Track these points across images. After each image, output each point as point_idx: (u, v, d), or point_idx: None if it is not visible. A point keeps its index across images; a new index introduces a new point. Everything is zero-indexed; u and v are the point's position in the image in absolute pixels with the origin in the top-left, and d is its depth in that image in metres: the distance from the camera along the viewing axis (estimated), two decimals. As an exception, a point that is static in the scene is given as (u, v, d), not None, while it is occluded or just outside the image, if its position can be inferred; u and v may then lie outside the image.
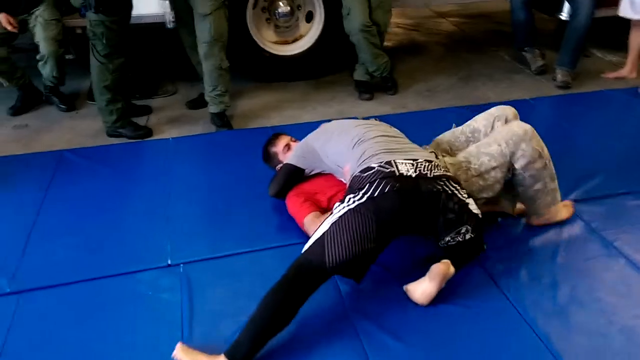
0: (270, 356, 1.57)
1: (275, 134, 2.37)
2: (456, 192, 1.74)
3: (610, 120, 3.05)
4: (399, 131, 2.08)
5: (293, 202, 2.10)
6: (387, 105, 3.25)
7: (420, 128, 2.86)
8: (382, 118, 3.07)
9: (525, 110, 3.12)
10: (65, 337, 1.66)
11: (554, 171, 2.02)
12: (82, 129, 2.99)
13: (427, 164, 1.76)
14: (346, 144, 1.94)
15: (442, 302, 1.75)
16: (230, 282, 1.86)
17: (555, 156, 2.61)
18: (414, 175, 1.70)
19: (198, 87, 3.33)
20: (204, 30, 2.72)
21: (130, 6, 2.73)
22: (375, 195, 1.64)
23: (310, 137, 2.17)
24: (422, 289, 1.72)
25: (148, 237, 2.08)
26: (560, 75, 3.50)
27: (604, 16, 3.61)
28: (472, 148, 1.98)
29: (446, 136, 2.18)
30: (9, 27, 2.88)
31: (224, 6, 2.77)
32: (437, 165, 1.78)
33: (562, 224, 2.14)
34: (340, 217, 1.64)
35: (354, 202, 1.65)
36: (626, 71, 3.59)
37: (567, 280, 1.86)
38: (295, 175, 2.16)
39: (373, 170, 1.71)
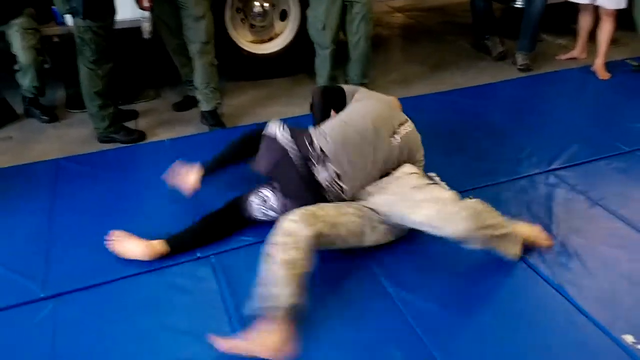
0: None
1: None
2: None
3: (571, 97, 3.35)
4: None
5: None
6: (368, 96, 3.39)
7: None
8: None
9: (494, 93, 3.40)
10: (115, 334, 1.69)
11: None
12: (70, 138, 2.95)
13: None
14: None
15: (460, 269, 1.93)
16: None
17: (530, 131, 2.88)
18: None
19: (181, 90, 3.36)
20: (198, 31, 2.78)
21: (114, 11, 2.74)
22: None
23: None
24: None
25: (171, 234, 2.11)
26: (520, 59, 3.78)
27: (554, 2, 3.94)
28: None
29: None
30: None
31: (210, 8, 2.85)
32: None
33: (551, 187, 2.36)
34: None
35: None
36: (577, 52, 3.92)
37: (566, 237, 2.07)
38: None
39: None
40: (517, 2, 3.95)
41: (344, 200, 1.94)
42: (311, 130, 2.01)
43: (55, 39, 3.22)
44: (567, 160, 2.57)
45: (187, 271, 1.93)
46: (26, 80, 2.97)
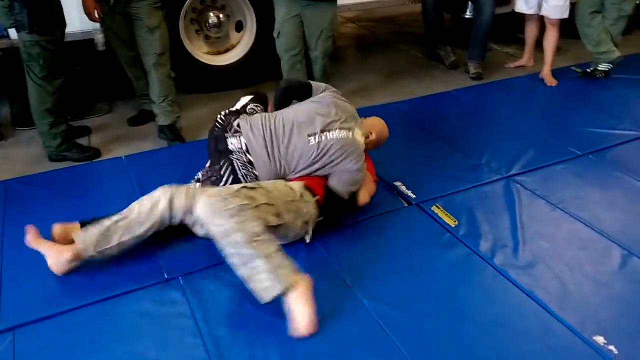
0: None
1: None
2: None
3: (522, 103, 3.47)
4: None
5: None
6: (327, 106, 3.38)
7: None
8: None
9: (449, 102, 3.47)
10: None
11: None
12: (19, 157, 2.78)
13: None
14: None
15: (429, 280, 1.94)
16: (232, 287, 1.87)
17: (487, 138, 2.95)
18: None
19: (135, 103, 3.25)
20: (153, 42, 2.70)
21: (64, 24, 2.62)
22: None
23: None
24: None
25: (136, 255, 2.01)
26: (472, 68, 3.89)
27: (501, 13, 4.09)
28: None
29: None
30: None
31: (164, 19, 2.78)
32: None
33: (512, 193, 2.42)
34: None
35: None
36: (525, 60, 4.08)
37: (531, 241, 2.12)
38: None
39: None
40: (466, 13, 4.06)
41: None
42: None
43: (-2, 53, 3.04)
44: (524, 166, 2.65)
45: (155, 295, 1.84)
46: (-33, 98, 2.79)
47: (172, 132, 2.92)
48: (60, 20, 2.58)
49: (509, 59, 4.25)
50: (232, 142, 2.06)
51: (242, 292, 1.81)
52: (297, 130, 2.06)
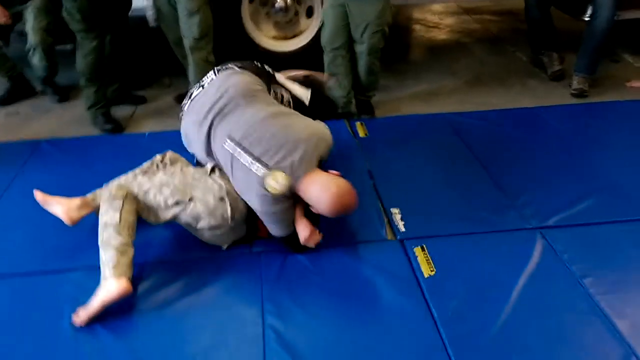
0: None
1: None
2: None
3: (619, 136, 2.76)
4: None
5: None
6: (379, 108, 3.07)
7: (403, 134, 2.74)
8: (370, 120, 2.92)
9: (523, 121, 2.91)
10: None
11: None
12: (68, 118, 3.01)
13: None
14: None
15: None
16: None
17: (543, 173, 2.43)
18: None
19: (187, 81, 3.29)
20: (191, 26, 2.69)
21: None
22: None
23: None
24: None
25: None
26: (576, 82, 3.22)
27: (634, 18, 3.30)
28: None
29: None
30: (2, 20, 2.93)
31: (208, 2, 2.73)
32: None
33: (530, 250, 1.95)
34: None
35: None
36: (653, 80, 3.26)
37: (515, 319, 1.68)
38: None
39: None
40: (586, 14, 3.34)
41: None
42: None
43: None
44: (568, 218, 2.12)
45: (83, 280, 1.83)
46: (35, 60, 3.05)
47: (200, 116, 2.90)
48: None
49: (638, 75, 3.43)
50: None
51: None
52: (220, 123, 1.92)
